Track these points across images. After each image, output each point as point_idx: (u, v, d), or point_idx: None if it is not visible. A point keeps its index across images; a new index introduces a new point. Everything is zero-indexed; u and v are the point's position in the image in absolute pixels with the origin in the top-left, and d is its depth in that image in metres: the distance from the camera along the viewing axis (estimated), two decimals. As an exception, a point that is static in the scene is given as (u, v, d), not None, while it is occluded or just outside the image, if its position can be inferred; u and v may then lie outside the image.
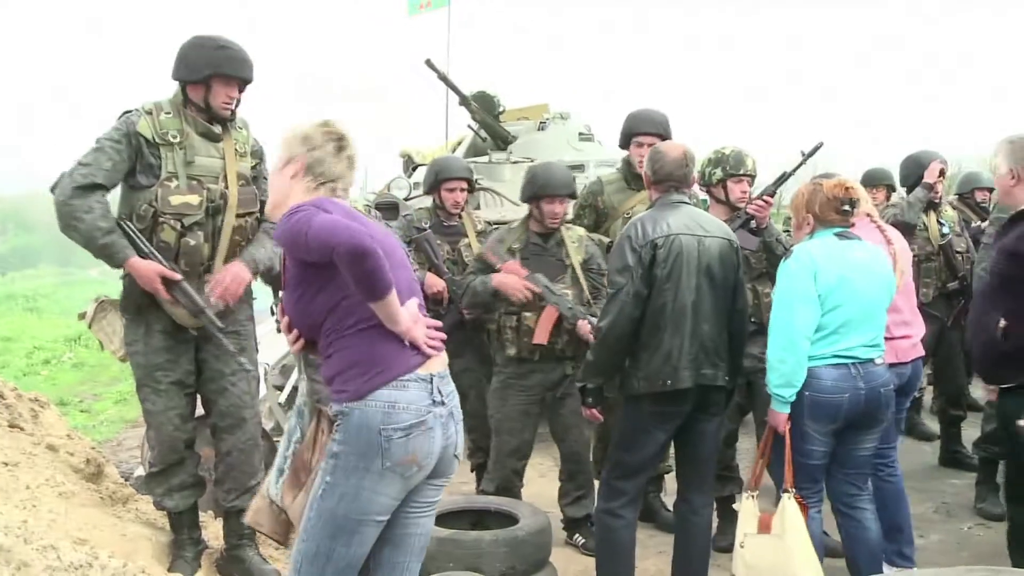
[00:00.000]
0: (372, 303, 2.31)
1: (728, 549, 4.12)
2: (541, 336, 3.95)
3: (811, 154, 4.16)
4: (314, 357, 2.53)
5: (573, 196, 4.17)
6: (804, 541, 3.12)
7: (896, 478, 3.78)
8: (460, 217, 4.84)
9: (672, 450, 3.55)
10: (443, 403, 2.41)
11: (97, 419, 8.08)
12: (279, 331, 4.29)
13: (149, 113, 3.31)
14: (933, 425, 6.14)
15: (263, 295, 3.78)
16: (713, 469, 3.53)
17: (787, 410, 3.20)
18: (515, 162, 7.09)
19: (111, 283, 3.44)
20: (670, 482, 4.12)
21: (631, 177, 4.39)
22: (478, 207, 6.45)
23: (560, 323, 3.96)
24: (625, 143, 4.43)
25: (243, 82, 3.37)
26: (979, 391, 5.81)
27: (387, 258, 2.39)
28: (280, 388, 6.00)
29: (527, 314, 3.99)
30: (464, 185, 4.78)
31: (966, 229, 5.62)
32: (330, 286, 2.36)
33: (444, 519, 3.40)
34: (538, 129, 7.73)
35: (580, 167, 6.83)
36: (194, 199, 3.27)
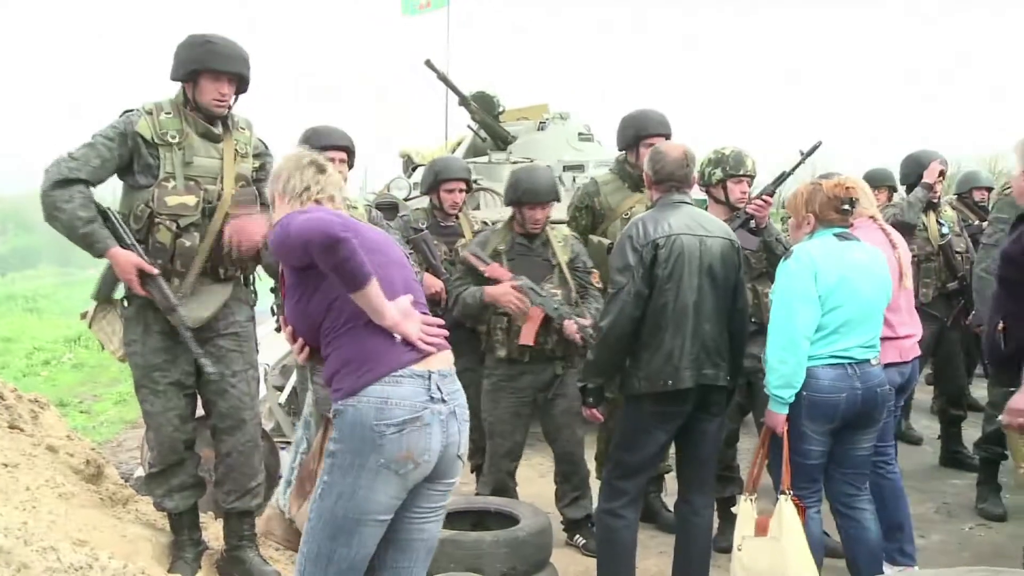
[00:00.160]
0: (353, 295, 2.32)
1: (728, 549, 4.11)
2: (527, 337, 3.95)
3: (809, 153, 4.16)
4: (321, 367, 2.54)
5: (556, 200, 4.16)
6: (800, 543, 3.11)
7: (895, 476, 3.79)
8: (457, 218, 4.85)
9: (672, 450, 3.55)
10: (443, 401, 2.39)
11: (97, 420, 8.08)
12: (278, 331, 4.33)
13: (149, 113, 3.30)
14: (922, 429, 6.15)
15: (263, 296, 3.78)
16: (714, 469, 3.53)
17: (785, 411, 3.20)
18: (515, 162, 7.08)
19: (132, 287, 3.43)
20: (671, 482, 4.12)
21: (627, 177, 4.38)
22: (477, 207, 6.46)
23: (548, 324, 3.96)
24: (631, 144, 4.38)
25: (236, 79, 3.35)
26: (980, 391, 5.82)
27: (381, 255, 2.41)
28: (280, 389, 6.00)
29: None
30: (463, 186, 4.79)
31: (965, 229, 5.62)
32: (323, 286, 2.39)
33: (445, 519, 3.39)
34: (538, 129, 7.73)
35: (580, 167, 6.84)
36: (191, 200, 3.26)
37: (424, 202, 5.27)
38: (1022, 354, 2.97)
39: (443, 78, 7.38)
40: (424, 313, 2.50)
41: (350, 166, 3.98)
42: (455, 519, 3.56)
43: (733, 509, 3.40)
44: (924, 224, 5.24)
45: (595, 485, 3.90)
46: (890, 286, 3.39)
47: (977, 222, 5.95)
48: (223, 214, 3.31)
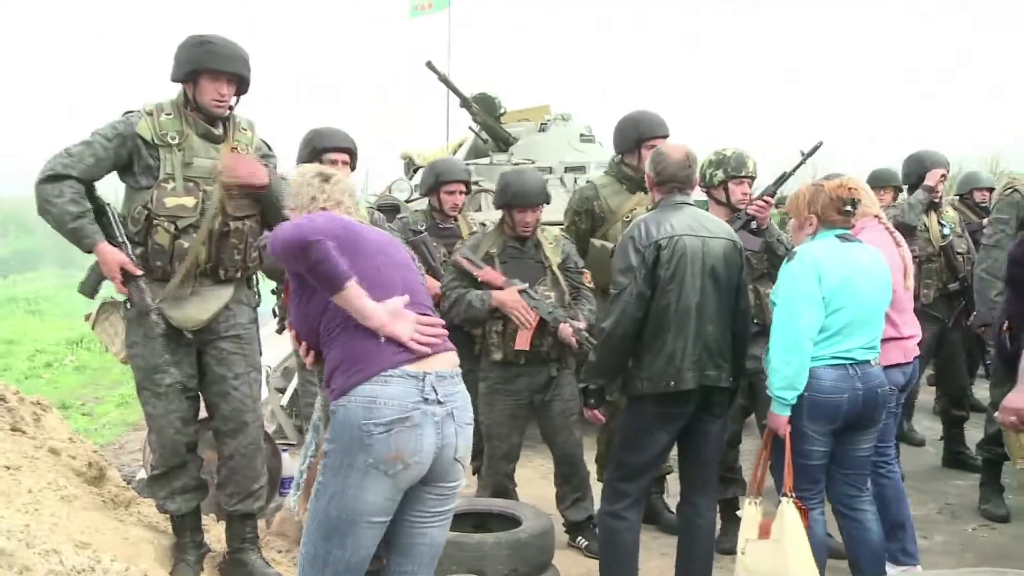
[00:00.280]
0: (333, 297, 2.34)
1: (731, 551, 4.12)
2: (523, 342, 3.96)
3: (810, 154, 4.16)
4: None
5: (547, 202, 4.15)
6: (802, 546, 3.11)
7: (895, 475, 3.78)
8: (456, 219, 4.86)
9: (675, 451, 3.55)
10: (439, 402, 2.38)
11: (99, 422, 8.07)
12: (280, 332, 4.34)
13: (150, 114, 3.31)
14: (924, 431, 6.14)
15: (266, 298, 3.78)
16: (716, 471, 3.53)
17: (788, 413, 3.19)
18: (516, 163, 7.09)
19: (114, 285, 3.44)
20: (672, 484, 4.11)
21: (625, 179, 4.37)
22: (479, 208, 6.45)
23: (543, 327, 3.97)
24: (632, 147, 4.37)
25: (235, 79, 3.35)
26: (982, 392, 5.82)
27: (382, 256, 2.42)
28: (282, 391, 6.01)
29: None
30: (463, 188, 4.80)
31: (967, 230, 5.62)
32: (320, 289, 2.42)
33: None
34: (539, 130, 7.73)
35: (581, 168, 6.84)
36: (189, 201, 3.26)
37: (423, 204, 5.28)
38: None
39: (444, 80, 7.38)
40: (424, 314, 2.48)
41: (352, 168, 3.98)
42: (457, 521, 3.55)
43: (739, 512, 3.39)
44: (925, 225, 5.24)
45: (596, 487, 3.91)
46: (890, 287, 3.38)
47: (979, 222, 5.94)
48: (211, 214, 3.29)
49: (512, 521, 3.54)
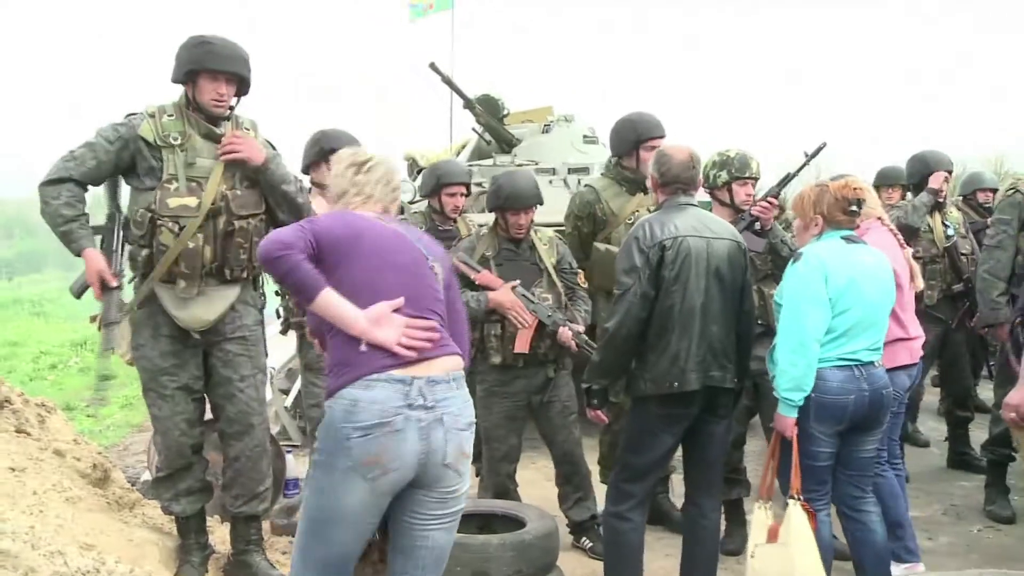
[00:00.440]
0: (306, 307, 2.38)
1: (735, 552, 4.12)
2: (523, 345, 3.96)
3: (814, 155, 4.15)
4: None
5: (539, 203, 4.15)
6: (809, 549, 3.10)
7: (889, 475, 3.77)
8: (455, 221, 4.86)
9: (679, 452, 3.54)
10: (425, 407, 2.34)
11: (103, 424, 8.08)
12: (283, 333, 4.34)
13: (152, 116, 3.33)
14: (929, 431, 6.13)
15: (270, 299, 3.78)
16: (721, 472, 3.53)
17: (795, 414, 3.19)
18: (520, 165, 7.08)
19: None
20: (678, 484, 4.11)
21: (624, 181, 4.36)
22: (484, 210, 6.45)
23: (541, 329, 3.97)
24: (631, 149, 4.36)
25: (234, 79, 3.36)
26: (986, 392, 5.80)
27: (378, 258, 2.42)
28: (286, 392, 6.00)
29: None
30: (464, 190, 4.81)
31: (971, 230, 5.60)
32: None
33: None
34: (542, 132, 7.72)
35: (585, 169, 6.83)
36: (192, 201, 3.28)
37: (422, 206, 5.28)
38: None
39: (448, 81, 7.37)
40: (423, 316, 2.44)
41: None
42: (461, 522, 3.54)
43: (749, 517, 3.39)
44: (929, 226, 5.23)
45: (600, 489, 3.90)
46: (894, 290, 3.38)
47: (983, 223, 5.93)
48: (204, 217, 3.28)
49: (516, 522, 3.53)
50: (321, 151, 3.99)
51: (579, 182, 6.57)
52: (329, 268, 2.42)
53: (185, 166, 3.29)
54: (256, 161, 3.35)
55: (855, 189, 3.31)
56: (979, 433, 5.27)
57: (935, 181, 5.17)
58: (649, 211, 3.92)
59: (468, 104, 7.57)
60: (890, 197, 5.58)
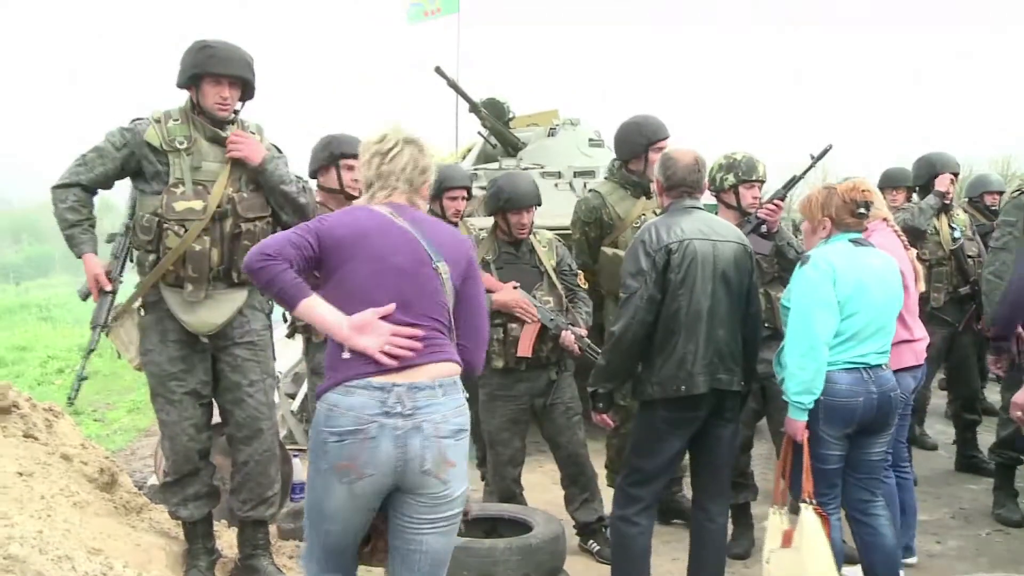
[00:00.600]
0: (292, 314, 2.42)
1: (742, 556, 4.11)
2: (525, 349, 3.97)
3: (820, 157, 4.15)
4: None
5: (539, 204, 4.16)
6: (820, 552, 3.09)
7: (890, 478, 3.76)
8: (456, 225, 4.87)
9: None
10: (403, 415, 2.33)
11: (111, 428, 8.10)
12: (290, 337, 4.34)
13: (158, 121, 3.36)
14: (936, 435, 6.11)
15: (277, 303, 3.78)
16: (729, 476, 3.52)
17: (805, 417, 3.18)
18: (526, 168, 7.08)
19: (127, 291, 3.48)
20: (686, 486, 4.10)
21: (629, 184, 4.36)
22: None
23: (543, 333, 3.98)
24: (642, 152, 4.33)
25: (238, 82, 3.38)
26: (994, 395, 5.78)
27: (374, 263, 2.41)
28: (292, 396, 6.01)
29: (512, 325, 4.00)
30: (465, 194, 4.81)
31: (978, 232, 5.59)
32: (321, 293, 2.46)
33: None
34: (548, 135, 7.72)
35: (591, 173, 6.82)
36: (198, 204, 3.29)
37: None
38: None
39: (453, 85, 7.38)
40: (417, 323, 2.41)
41: None
42: (468, 527, 3.55)
43: (759, 522, 3.38)
44: (936, 228, 5.22)
45: (607, 493, 3.89)
46: (901, 293, 3.38)
47: (989, 225, 5.91)
48: (210, 220, 3.30)
49: (523, 526, 3.53)
50: (331, 156, 3.98)
51: (585, 185, 6.57)
52: (331, 269, 2.44)
53: (191, 170, 3.32)
54: (253, 161, 3.38)
55: (863, 191, 3.31)
56: (987, 436, 5.24)
57: (941, 183, 5.16)
58: (655, 214, 3.92)
59: (473, 108, 7.57)
60: (895, 199, 5.56)
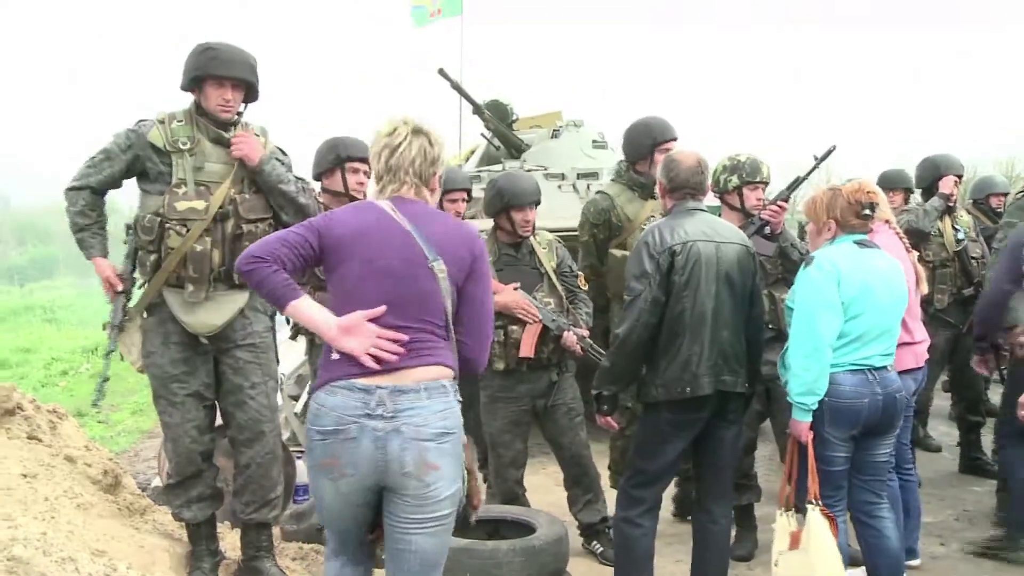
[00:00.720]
0: (281, 314, 2.47)
1: (746, 558, 4.11)
2: (527, 351, 3.97)
3: (823, 158, 4.14)
4: None
5: (539, 201, 4.16)
6: (828, 553, 3.09)
7: (894, 481, 3.75)
8: None
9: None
10: (384, 417, 2.34)
11: (114, 430, 8.12)
12: (293, 339, 4.34)
13: (162, 122, 3.39)
14: (940, 437, 6.11)
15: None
16: (732, 477, 3.51)
17: (809, 418, 3.18)
18: (529, 170, 7.08)
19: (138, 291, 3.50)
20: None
21: (637, 186, 4.36)
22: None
23: (544, 334, 3.98)
24: (647, 153, 4.33)
25: (241, 84, 3.40)
26: (997, 397, 5.77)
27: (367, 265, 2.41)
28: (295, 398, 6.01)
29: (513, 327, 4.00)
30: (464, 196, 4.82)
31: (982, 234, 5.58)
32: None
33: (460, 529, 3.39)
34: (551, 137, 7.72)
35: (594, 175, 6.83)
36: (199, 204, 3.31)
37: None
38: None
39: (457, 87, 7.38)
40: (402, 326, 2.40)
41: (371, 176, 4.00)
42: (471, 528, 3.56)
43: (772, 525, 3.38)
44: (939, 230, 5.22)
45: (611, 494, 3.89)
46: (907, 294, 3.37)
47: (994, 227, 5.91)
48: (211, 220, 3.32)
49: (526, 528, 3.53)
50: (337, 158, 3.96)
51: (588, 187, 6.57)
52: (330, 268, 2.46)
53: (194, 170, 3.33)
54: (252, 160, 3.39)
55: (868, 193, 3.31)
56: (991, 438, 5.23)
57: (946, 185, 5.16)
58: (662, 216, 3.92)
59: (477, 110, 7.58)
60: (892, 201, 5.55)
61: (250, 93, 3.47)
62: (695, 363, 3.15)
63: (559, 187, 6.63)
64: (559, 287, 4.11)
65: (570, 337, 3.96)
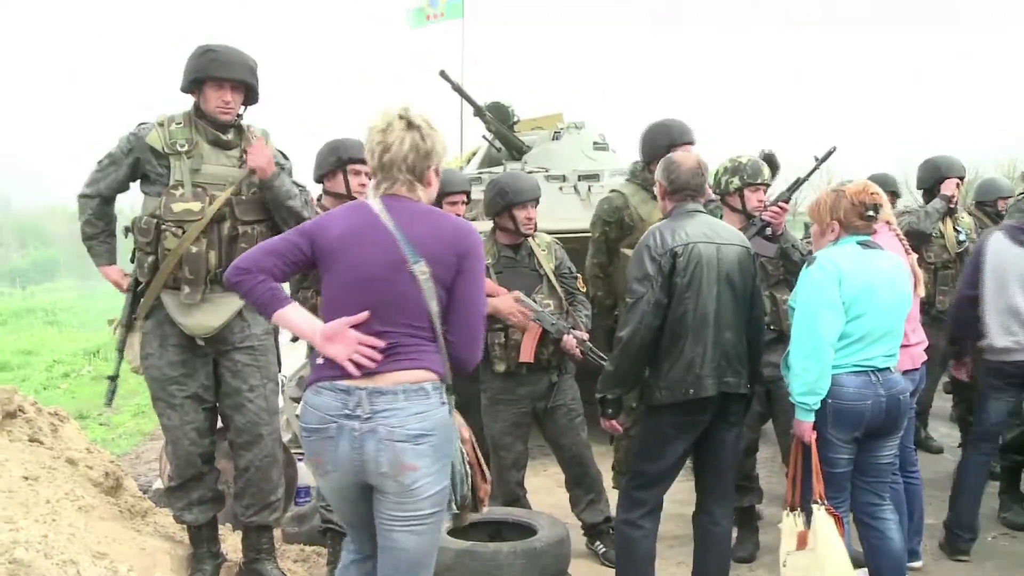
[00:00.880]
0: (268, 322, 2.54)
1: (747, 560, 4.11)
2: (527, 354, 3.98)
3: (824, 159, 4.13)
4: None
5: (538, 200, 4.16)
6: (836, 552, 3.09)
7: (898, 483, 3.75)
8: None
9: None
10: (361, 418, 2.37)
11: (116, 432, 8.12)
12: (294, 341, 4.34)
13: (161, 125, 3.40)
14: (942, 438, 6.10)
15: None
16: (733, 479, 3.51)
17: (812, 419, 3.18)
18: (530, 172, 7.08)
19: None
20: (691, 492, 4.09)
21: (651, 186, 4.35)
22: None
23: (544, 337, 3.98)
24: (664, 153, 4.31)
25: (240, 86, 3.40)
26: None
27: (351, 273, 2.42)
28: (297, 400, 6.00)
29: (515, 330, 3.99)
30: (464, 198, 4.81)
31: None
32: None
33: (462, 531, 3.39)
34: (552, 139, 7.72)
35: (595, 176, 6.82)
36: (196, 206, 3.32)
37: None
38: None
39: (458, 89, 7.38)
40: (384, 331, 2.40)
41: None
42: (472, 530, 3.56)
43: (779, 524, 3.38)
44: (941, 231, 5.21)
45: (614, 495, 3.89)
46: (910, 295, 3.37)
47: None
48: (208, 222, 3.32)
49: (527, 530, 3.53)
50: (339, 160, 3.95)
51: (589, 189, 6.57)
52: (322, 271, 2.51)
53: (191, 172, 3.34)
54: (264, 175, 3.39)
55: (871, 194, 3.31)
56: (993, 439, 5.22)
57: (947, 187, 5.15)
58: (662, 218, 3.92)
59: (478, 112, 7.57)
60: None
61: (250, 95, 3.47)
62: (698, 365, 3.15)
63: (560, 189, 6.62)
64: (558, 289, 4.11)
65: (570, 340, 3.96)
